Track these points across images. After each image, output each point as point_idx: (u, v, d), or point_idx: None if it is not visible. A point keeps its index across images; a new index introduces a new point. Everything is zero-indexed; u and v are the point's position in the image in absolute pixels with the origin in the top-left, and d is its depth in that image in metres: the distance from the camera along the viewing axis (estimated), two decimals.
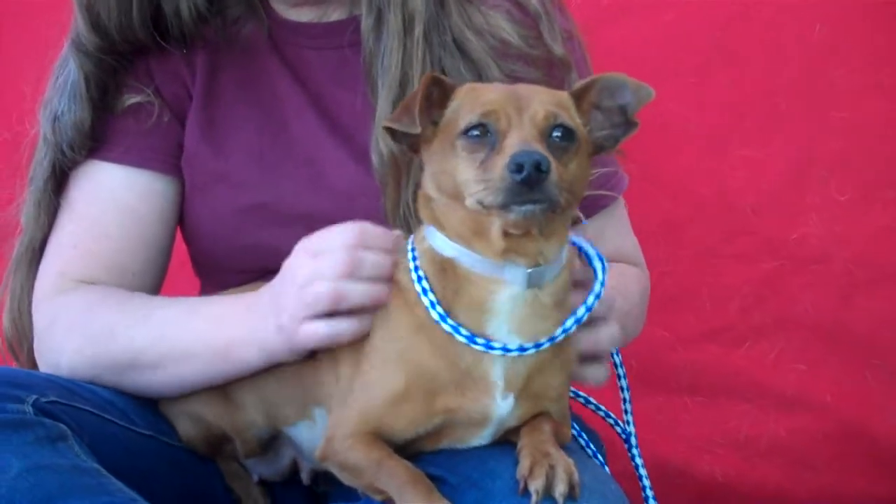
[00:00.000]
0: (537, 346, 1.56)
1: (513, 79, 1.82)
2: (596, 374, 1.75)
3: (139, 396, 1.89)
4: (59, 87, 1.99)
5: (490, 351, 1.54)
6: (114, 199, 1.99)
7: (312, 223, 1.79)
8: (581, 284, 1.65)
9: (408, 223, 1.82)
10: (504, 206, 1.45)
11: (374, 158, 1.88)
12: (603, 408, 1.90)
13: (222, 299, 1.87)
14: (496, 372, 1.56)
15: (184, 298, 1.94)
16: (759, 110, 2.85)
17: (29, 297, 1.98)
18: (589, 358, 1.73)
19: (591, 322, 1.70)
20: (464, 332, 1.54)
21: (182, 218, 2.06)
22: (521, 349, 1.55)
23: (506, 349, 1.55)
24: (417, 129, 1.52)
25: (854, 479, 2.86)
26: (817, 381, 2.88)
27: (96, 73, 1.96)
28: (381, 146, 1.87)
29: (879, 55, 2.84)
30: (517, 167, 1.42)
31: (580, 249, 1.70)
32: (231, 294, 1.88)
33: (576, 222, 1.83)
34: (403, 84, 1.88)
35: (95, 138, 1.98)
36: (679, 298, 2.83)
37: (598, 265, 1.67)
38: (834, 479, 2.86)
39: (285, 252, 1.72)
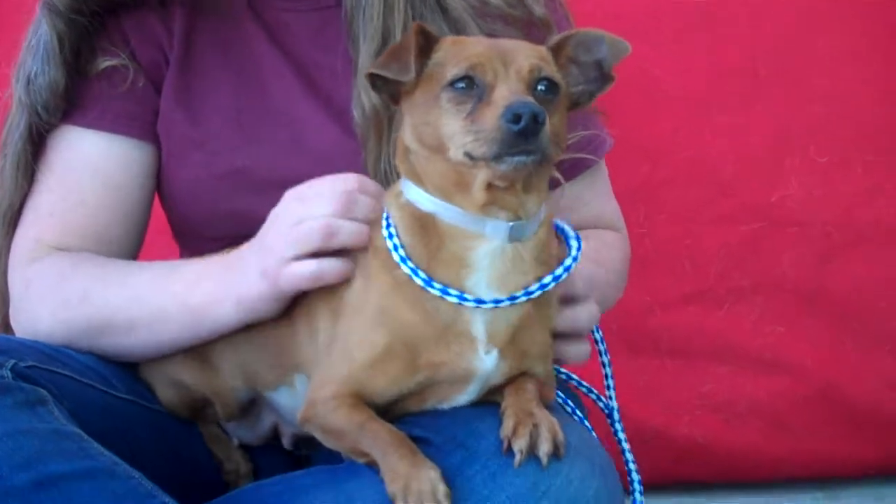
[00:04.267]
0: (512, 298, 1.55)
1: (492, 37, 1.81)
2: (577, 351, 1.74)
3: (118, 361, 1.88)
4: (32, 48, 1.95)
5: (463, 303, 1.53)
6: (90, 166, 1.96)
7: (290, 188, 1.78)
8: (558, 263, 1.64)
9: (388, 180, 1.81)
10: (496, 157, 1.44)
11: (356, 113, 1.87)
12: (585, 384, 1.89)
13: (199, 260, 1.85)
14: (477, 326, 1.55)
15: (160, 262, 1.93)
16: (740, 75, 2.87)
17: (6, 262, 1.96)
18: (569, 336, 1.72)
19: (571, 300, 1.70)
20: (437, 285, 1.53)
21: (159, 184, 2.03)
22: (496, 301, 1.54)
23: (480, 301, 1.54)
24: (411, 75, 1.50)
25: (831, 441, 2.90)
26: (795, 343, 2.90)
27: (69, 33, 1.92)
28: (363, 100, 1.85)
29: (859, 22, 2.87)
30: (514, 118, 1.41)
31: (557, 229, 1.70)
32: (208, 257, 1.87)
33: (555, 185, 1.83)
34: (385, 37, 1.87)
35: (70, 101, 1.95)
36: (658, 261, 2.84)
37: (574, 244, 1.66)
38: (811, 441, 2.90)
39: (263, 218, 1.71)
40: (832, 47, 2.85)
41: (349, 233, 1.62)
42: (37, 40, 1.95)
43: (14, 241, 1.96)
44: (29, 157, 1.95)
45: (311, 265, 1.63)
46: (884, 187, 2.86)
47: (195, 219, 2.01)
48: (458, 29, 1.89)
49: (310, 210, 1.63)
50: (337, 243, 1.62)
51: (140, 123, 1.98)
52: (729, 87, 2.86)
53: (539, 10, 1.96)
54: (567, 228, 1.70)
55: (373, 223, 1.63)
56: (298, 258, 1.64)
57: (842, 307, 2.89)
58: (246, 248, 1.74)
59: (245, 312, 1.73)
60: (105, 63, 1.96)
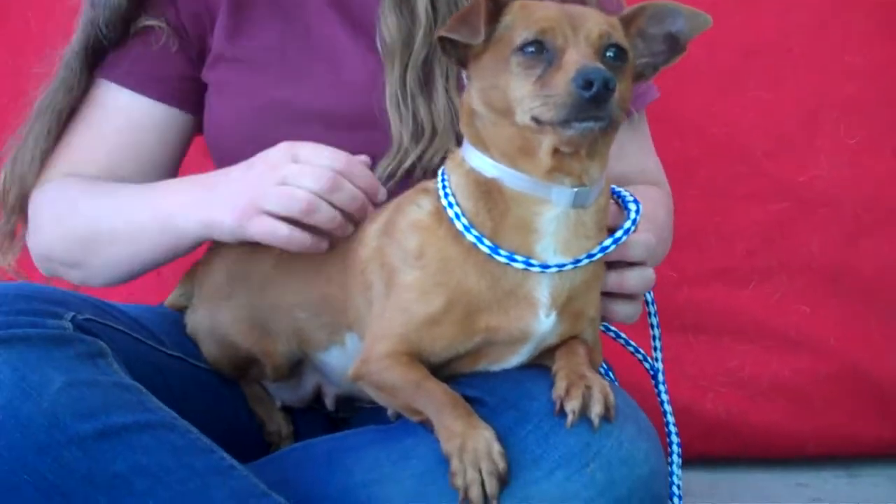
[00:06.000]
0: (576, 262, 1.56)
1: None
2: (625, 311, 1.74)
3: (165, 318, 1.93)
4: None
5: (529, 268, 1.55)
6: (113, 114, 2.04)
7: (329, 120, 1.88)
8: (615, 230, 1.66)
9: (404, 106, 1.88)
10: (564, 122, 1.45)
11: (383, 36, 1.92)
12: (633, 343, 1.91)
13: (182, 178, 1.91)
14: (542, 290, 1.56)
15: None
16: (773, 52, 2.85)
17: (35, 152, 2.01)
18: (618, 296, 1.73)
19: (625, 264, 1.70)
20: (503, 252, 1.54)
21: (203, 123, 2.08)
22: (560, 266, 1.56)
23: (545, 266, 1.55)
24: (481, 38, 1.50)
25: (854, 419, 2.89)
26: (820, 322, 2.90)
27: None
28: (388, 26, 1.91)
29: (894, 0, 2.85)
30: (586, 83, 1.42)
31: (615, 194, 1.71)
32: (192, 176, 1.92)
33: None
34: None
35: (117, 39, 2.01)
36: (686, 237, 2.81)
37: (632, 207, 1.68)
38: (835, 419, 2.89)
39: None
40: (865, 25, 2.83)
41: (326, 216, 1.67)
42: None
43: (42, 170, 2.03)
44: (82, 65, 2.01)
45: (284, 230, 1.68)
46: None
47: (235, 153, 2.04)
48: None
49: (298, 178, 1.67)
50: (312, 221, 1.67)
51: (165, 87, 2.04)
52: (761, 63, 2.84)
53: None
54: (624, 193, 1.71)
55: (429, 190, 1.64)
56: (272, 215, 1.68)
57: (867, 287, 2.89)
58: (225, 176, 1.78)
59: (205, 232, 1.79)
60: (145, 22, 2.01)
